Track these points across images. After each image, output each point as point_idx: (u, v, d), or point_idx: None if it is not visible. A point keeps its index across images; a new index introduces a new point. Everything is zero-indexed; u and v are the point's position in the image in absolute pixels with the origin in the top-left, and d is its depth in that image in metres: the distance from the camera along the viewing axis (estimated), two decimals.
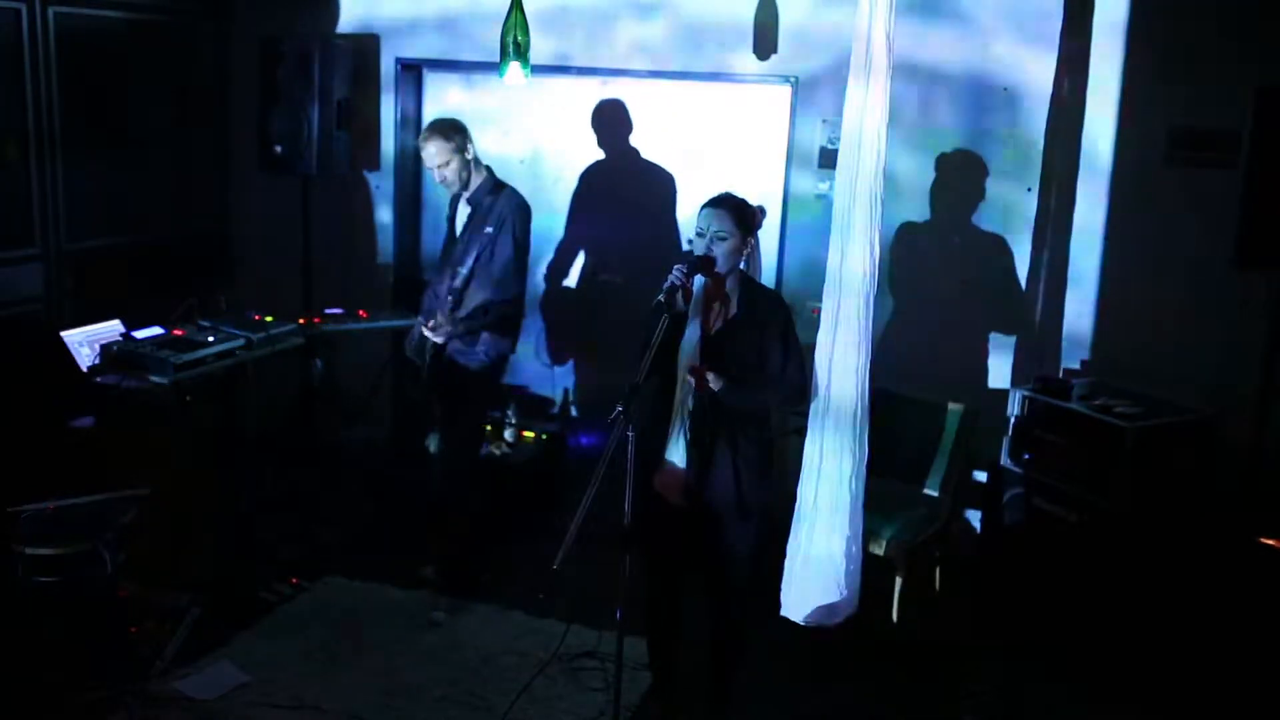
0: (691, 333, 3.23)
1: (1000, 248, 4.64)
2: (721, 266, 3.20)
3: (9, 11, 4.61)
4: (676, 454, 3.27)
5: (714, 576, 3.42)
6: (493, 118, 5.49)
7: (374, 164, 5.59)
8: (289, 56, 5.06)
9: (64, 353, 4.39)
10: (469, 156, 4.20)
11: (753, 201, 3.30)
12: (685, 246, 3.39)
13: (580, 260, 5.51)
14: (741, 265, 3.27)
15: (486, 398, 4.46)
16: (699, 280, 3.22)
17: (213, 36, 5.68)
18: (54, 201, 4.87)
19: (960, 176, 4.65)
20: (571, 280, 5.53)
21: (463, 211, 4.32)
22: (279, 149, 5.09)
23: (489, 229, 4.17)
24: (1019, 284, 4.63)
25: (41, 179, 4.80)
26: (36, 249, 4.84)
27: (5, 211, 4.70)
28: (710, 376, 3.16)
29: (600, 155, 5.35)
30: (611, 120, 5.29)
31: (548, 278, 5.53)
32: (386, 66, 5.48)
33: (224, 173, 5.85)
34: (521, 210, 4.23)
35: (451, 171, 4.18)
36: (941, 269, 4.73)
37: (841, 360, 3.57)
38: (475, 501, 4.44)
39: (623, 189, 5.34)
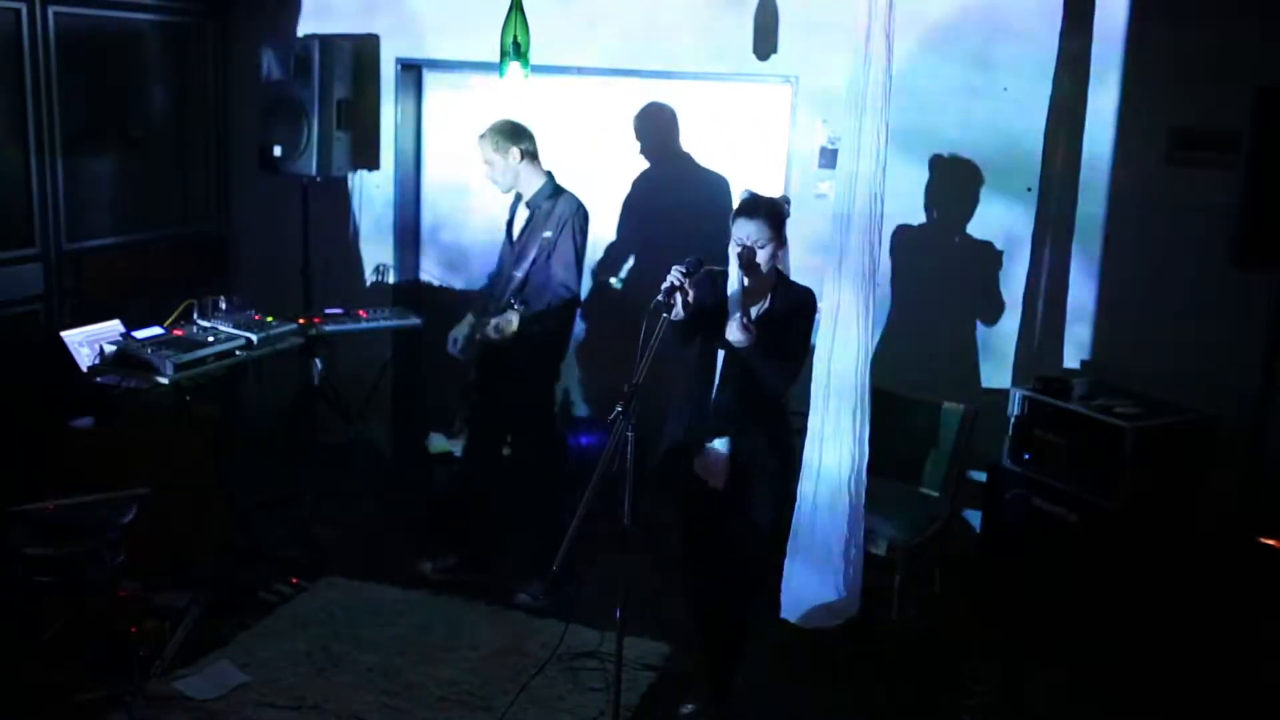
0: (732, 328, 3.30)
1: (993, 250, 4.65)
2: (764, 268, 3.29)
3: (9, 11, 4.60)
4: (717, 439, 3.34)
5: (731, 560, 3.45)
6: (492, 118, 5.48)
7: (374, 164, 5.58)
8: (289, 56, 5.05)
9: (64, 353, 4.38)
10: (514, 161, 4.25)
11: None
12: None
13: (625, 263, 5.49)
14: (778, 261, 3.36)
15: (543, 374, 4.43)
16: (740, 277, 3.28)
17: (213, 36, 5.68)
18: (54, 201, 4.87)
19: (954, 178, 4.65)
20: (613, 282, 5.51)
21: (521, 215, 4.37)
22: (278, 150, 5.09)
23: (548, 233, 4.21)
24: (997, 287, 4.65)
25: (41, 179, 4.80)
26: (36, 249, 4.83)
27: (5, 211, 4.70)
28: (742, 325, 3.20)
29: (605, 157, 5.33)
30: (660, 124, 5.24)
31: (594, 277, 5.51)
32: (386, 66, 5.47)
33: (224, 173, 5.85)
34: (580, 214, 4.29)
35: (496, 173, 4.28)
36: (941, 270, 4.73)
37: (841, 360, 3.58)
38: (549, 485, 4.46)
39: (676, 194, 5.27)
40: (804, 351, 3.39)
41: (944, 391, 4.41)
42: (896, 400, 4.28)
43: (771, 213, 3.30)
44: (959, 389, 4.47)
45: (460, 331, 4.42)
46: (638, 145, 5.25)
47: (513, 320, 4.17)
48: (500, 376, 4.36)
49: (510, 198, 4.45)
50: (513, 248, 4.38)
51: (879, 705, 3.79)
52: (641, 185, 5.29)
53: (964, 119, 4.60)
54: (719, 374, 3.35)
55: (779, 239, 3.31)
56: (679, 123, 5.21)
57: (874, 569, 4.06)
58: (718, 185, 5.16)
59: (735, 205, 3.39)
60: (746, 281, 3.26)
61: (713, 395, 3.38)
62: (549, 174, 4.35)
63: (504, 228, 4.48)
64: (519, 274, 4.26)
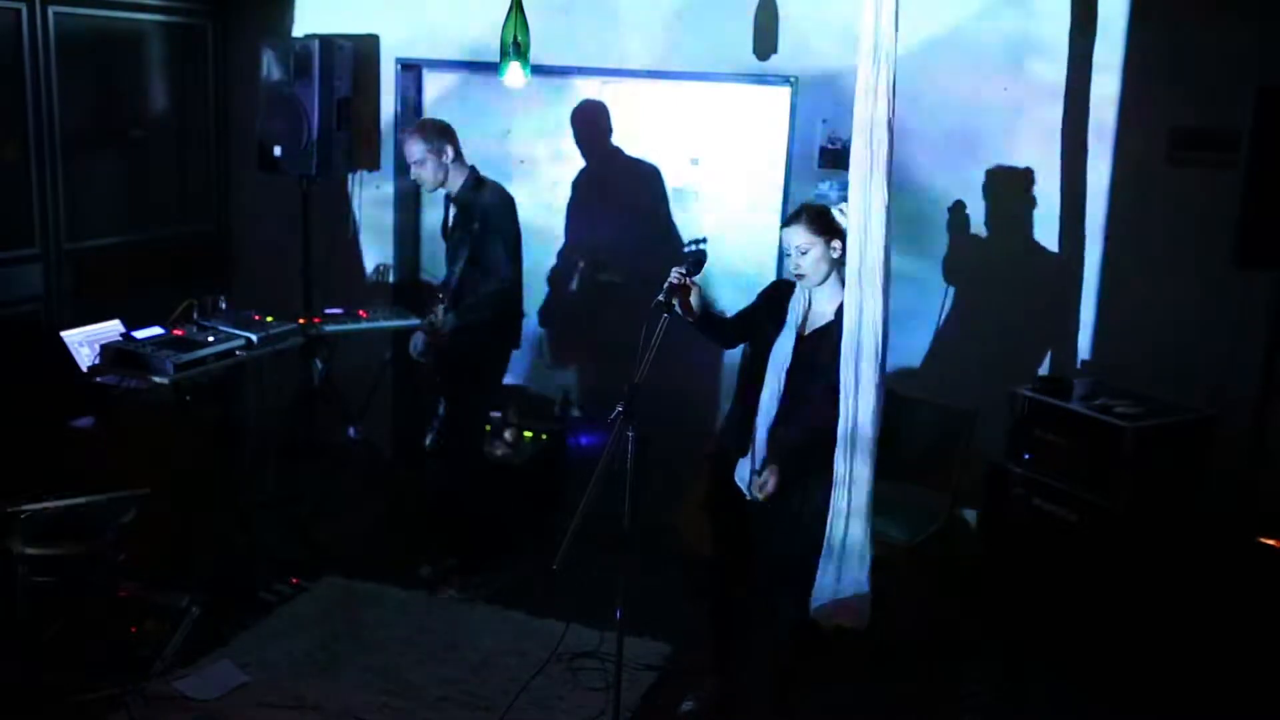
0: (786, 337, 3.33)
1: (992, 251, 4.65)
2: (813, 277, 3.31)
3: (9, 11, 4.60)
4: (760, 451, 3.35)
5: (779, 573, 3.47)
6: (492, 118, 5.49)
7: (374, 164, 5.58)
8: (289, 56, 5.05)
9: (64, 353, 4.38)
10: (447, 160, 4.29)
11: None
12: (687, 245, 3.48)
13: (578, 262, 5.51)
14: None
15: (485, 386, 4.50)
16: (800, 286, 3.33)
17: (213, 36, 5.68)
18: (54, 201, 4.87)
19: (954, 180, 4.65)
20: (571, 284, 5.54)
21: (452, 212, 4.43)
22: (279, 150, 5.09)
23: (475, 225, 4.25)
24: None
25: (41, 179, 4.80)
26: (36, 249, 4.83)
27: (5, 211, 4.70)
28: (770, 475, 3.28)
29: (585, 157, 5.36)
30: (592, 121, 5.31)
31: (550, 281, 5.52)
32: (386, 66, 5.47)
33: (224, 173, 5.85)
34: (504, 204, 4.34)
35: (427, 171, 4.31)
36: (939, 270, 4.73)
37: (867, 363, 3.57)
38: (479, 499, 4.50)
39: (612, 189, 5.35)
40: None
41: (944, 391, 4.41)
42: (897, 400, 4.27)
43: (812, 216, 3.30)
44: (960, 389, 4.46)
45: (420, 336, 4.43)
46: (575, 143, 5.34)
47: (446, 321, 4.26)
48: (457, 375, 4.40)
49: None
50: (446, 246, 4.46)
51: (879, 705, 3.79)
52: (582, 182, 5.39)
53: (964, 119, 4.60)
54: (773, 393, 3.35)
55: (825, 242, 3.28)
56: (611, 119, 5.29)
57: (874, 569, 4.05)
58: (650, 172, 5.27)
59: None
60: (806, 293, 3.33)
61: (759, 407, 3.37)
62: (472, 168, 4.38)
63: (441, 228, 4.54)
64: (456, 269, 4.32)
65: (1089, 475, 3.97)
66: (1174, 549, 3.96)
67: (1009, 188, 4.59)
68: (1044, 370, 4.59)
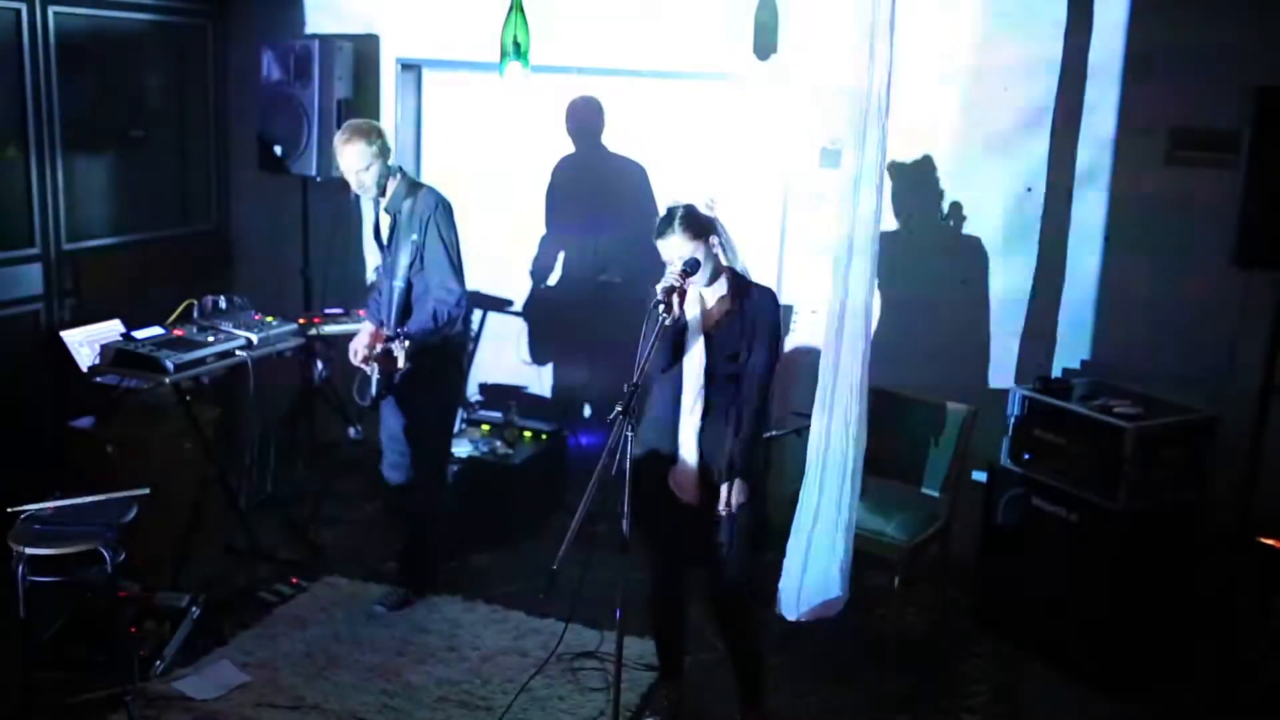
0: (695, 343, 3.29)
1: (993, 251, 4.65)
2: (701, 280, 3.23)
3: (9, 11, 4.61)
4: (690, 453, 3.30)
5: (718, 575, 3.44)
6: (492, 117, 5.49)
7: None
8: (289, 56, 5.05)
9: (64, 353, 4.39)
10: (390, 162, 4.03)
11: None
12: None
13: (562, 260, 5.51)
14: (723, 261, 3.29)
15: (443, 396, 4.34)
16: (699, 296, 3.27)
17: (213, 36, 5.68)
18: (54, 201, 4.87)
19: (954, 180, 4.66)
20: (555, 280, 5.54)
21: (385, 220, 4.16)
22: (279, 149, 5.09)
23: (414, 235, 4.01)
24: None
25: (41, 179, 4.80)
26: (36, 249, 4.84)
27: (5, 211, 4.71)
28: (736, 490, 3.25)
29: (580, 152, 5.37)
30: (585, 116, 5.31)
31: (534, 276, 5.53)
32: (386, 66, 5.47)
33: (224, 173, 5.85)
34: (442, 208, 4.06)
35: (371, 176, 3.99)
36: (940, 270, 4.73)
37: (847, 360, 3.57)
38: (443, 505, 4.42)
39: (606, 188, 5.35)
40: (778, 355, 3.32)
41: (945, 391, 4.41)
42: (897, 400, 4.28)
43: (685, 222, 3.19)
44: (960, 389, 4.46)
45: (355, 347, 4.14)
46: (567, 134, 5.35)
47: (399, 356, 3.94)
48: (411, 387, 4.16)
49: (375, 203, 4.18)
50: (385, 257, 4.18)
51: (879, 705, 3.79)
52: (570, 176, 5.39)
53: (965, 119, 4.60)
54: (697, 394, 3.31)
55: (704, 239, 3.19)
56: (604, 115, 5.28)
57: (874, 569, 4.06)
58: (638, 171, 5.27)
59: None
60: (705, 299, 3.26)
61: (684, 411, 3.33)
62: (400, 169, 4.12)
63: (374, 234, 4.27)
64: (399, 284, 4.06)
65: (1089, 475, 3.97)
66: (1174, 549, 3.95)
67: (1007, 187, 4.60)
68: (1046, 370, 4.59)
